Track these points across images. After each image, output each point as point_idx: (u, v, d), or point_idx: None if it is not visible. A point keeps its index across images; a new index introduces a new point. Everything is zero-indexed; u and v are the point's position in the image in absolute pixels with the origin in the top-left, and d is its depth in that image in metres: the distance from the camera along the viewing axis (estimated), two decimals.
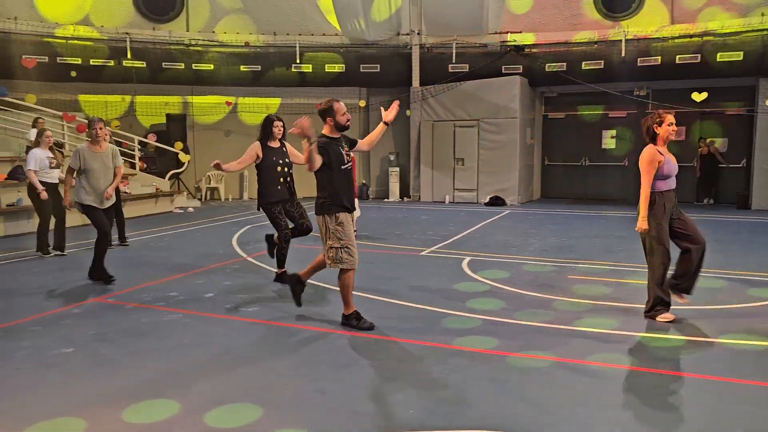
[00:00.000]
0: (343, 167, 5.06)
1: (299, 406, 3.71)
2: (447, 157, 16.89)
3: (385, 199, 17.87)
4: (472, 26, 16.59)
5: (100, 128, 7.09)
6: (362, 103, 17.70)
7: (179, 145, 16.45)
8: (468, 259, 8.50)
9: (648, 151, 5.30)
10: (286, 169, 6.71)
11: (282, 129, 6.74)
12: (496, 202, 15.99)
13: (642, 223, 5.27)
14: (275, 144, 6.74)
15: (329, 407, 3.68)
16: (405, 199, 17.80)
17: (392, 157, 17.83)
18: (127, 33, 16.14)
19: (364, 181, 18.30)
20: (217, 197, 18.11)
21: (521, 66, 16.19)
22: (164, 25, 17.04)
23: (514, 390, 3.94)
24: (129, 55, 15.92)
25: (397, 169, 17.77)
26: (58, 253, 8.93)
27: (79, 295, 6.55)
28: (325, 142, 5.01)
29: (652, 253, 5.35)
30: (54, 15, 16.03)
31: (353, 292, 5.34)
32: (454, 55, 16.72)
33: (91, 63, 15.68)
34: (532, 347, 4.75)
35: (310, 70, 17.11)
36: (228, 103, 17.33)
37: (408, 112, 17.24)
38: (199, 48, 16.90)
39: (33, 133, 12.73)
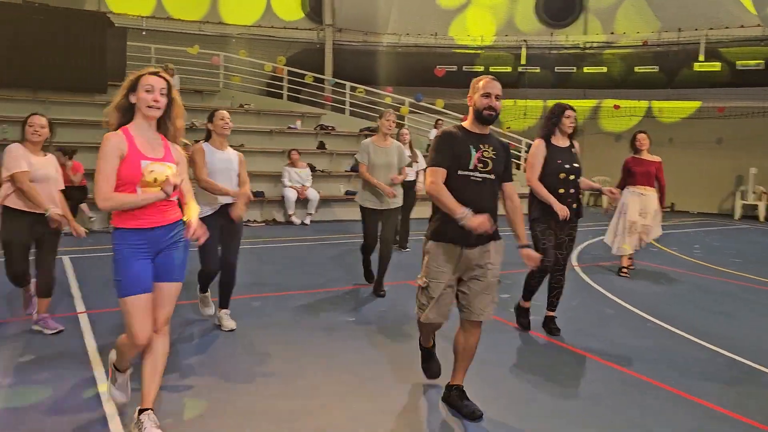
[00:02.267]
0: (460, 172, 3.52)
1: None
2: None
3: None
4: None
5: (390, 119, 6.24)
6: None
7: None
8: None
9: None
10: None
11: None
12: None
13: None
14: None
15: None
16: None
17: None
18: (524, 40, 17.05)
19: None
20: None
21: None
22: (562, 30, 17.44)
23: None
24: (524, 61, 16.79)
25: None
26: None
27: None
28: (450, 131, 3.62)
29: None
30: (478, 32, 18.00)
31: None
32: None
33: (491, 70, 17.05)
34: None
35: (719, 69, 15.25)
36: (616, 107, 16.75)
37: None
38: (592, 51, 16.77)
39: (434, 133, 14.67)
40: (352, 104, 16.29)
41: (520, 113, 17.78)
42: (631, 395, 3.93)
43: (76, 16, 13.53)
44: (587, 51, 16.92)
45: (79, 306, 5.54)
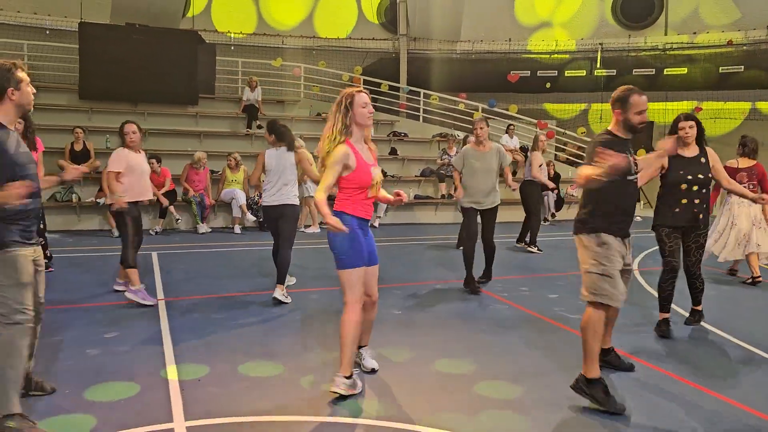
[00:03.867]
0: (629, 177, 3.84)
1: None
2: None
3: None
4: None
5: (481, 128, 6.74)
6: None
7: (642, 152, 16.30)
8: None
9: None
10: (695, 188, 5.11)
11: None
12: None
13: None
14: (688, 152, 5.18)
15: None
16: None
17: None
18: (600, 43, 16.89)
19: None
20: None
21: None
22: (640, 31, 17.12)
23: None
24: (599, 64, 16.64)
25: None
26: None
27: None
28: (608, 140, 3.81)
29: None
30: (552, 37, 18.05)
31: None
32: None
33: (566, 74, 17.01)
34: None
35: None
36: (697, 109, 16.23)
37: None
38: (674, 52, 16.37)
39: (505, 139, 14.85)
40: (425, 111, 16.74)
41: (596, 117, 17.61)
42: None
43: (171, 35, 14.80)
44: (668, 52, 16.52)
45: (160, 294, 6.32)
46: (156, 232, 10.40)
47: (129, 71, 13.54)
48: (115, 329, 5.09)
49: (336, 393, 3.77)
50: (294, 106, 16.22)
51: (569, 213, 13.23)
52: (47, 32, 16.38)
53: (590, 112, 17.94)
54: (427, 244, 10.04)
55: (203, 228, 10.78)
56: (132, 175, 5.91)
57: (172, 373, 4.17)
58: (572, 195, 13.72)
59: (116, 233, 9.91)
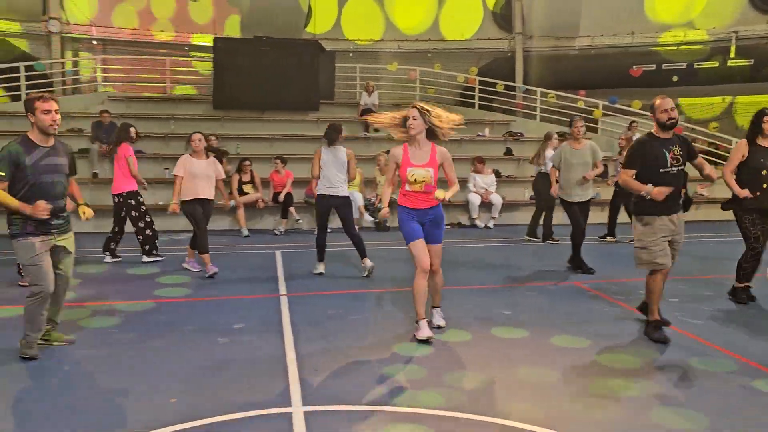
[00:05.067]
0: (662, 170, 4.89)
1: None
2: None
3: None
4: None
5: (578, 126, 7.69)
6: None
7: None
8: None
9: None
10: None
11: None
12: None
13: None
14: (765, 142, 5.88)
15: None
16: None
17: None
18: (734, 32, 15.69)
19: None
20: None
21: None
22: None
23: None
24: (733, 54, 15.46)
25: None
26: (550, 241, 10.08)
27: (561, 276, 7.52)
28: (644, 140, 5.01)
29: None
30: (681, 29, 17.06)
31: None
32: None
33: (695, 66, 15.98)
34: None
35: None
36: None
37: None
38: None
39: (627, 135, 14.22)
40: (542, 110, 16.42)
41: (744, 110, 16.39)
42: None
43: (294, 45, 15.62)
44: None
45: (282, 289, 6.79)
46: (280, 232, 11.05)
47: (256, 81, 14.49)
48: (241, 320, 5.57)
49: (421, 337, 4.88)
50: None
51: (701, 214, 12.49)
52: (186, 48, 17.90)
53: (736, 105, 16.66)
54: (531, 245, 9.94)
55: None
56: (191, 178, 7.13)
57: (291, 361, 4.53)
58: (701, 194, 12.91)
59: (245, 232, 10.70)
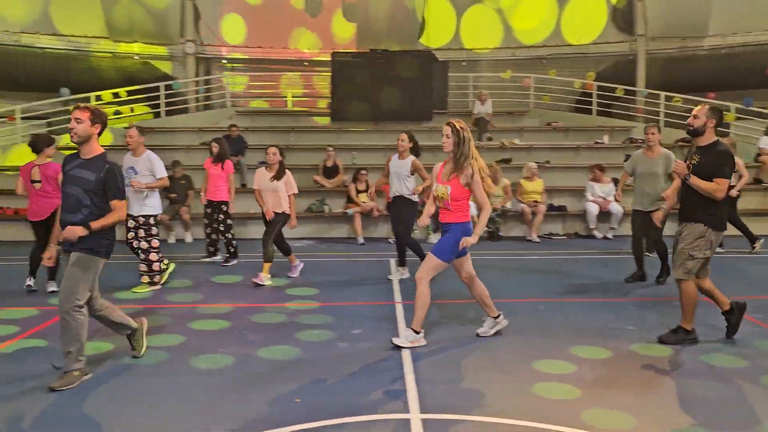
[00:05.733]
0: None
1: None
2: None
3: None
4: None
5: (651, 134, 7.31)
6: None
7: None
8: None
9: None
10: None
11: None
12: None
13: None
14: None
15: None
16: None
17: None
18: None
19: None
20: None
21: None
22: None
23: None
24: None
25: None
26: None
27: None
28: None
29: None
30: None
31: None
32: None
33: None
34: None
35: None
36: None
37: None
38: None
39: (764, 140, 13.20)
40: (667, 114, 15.58)
41: None
42: None
43: (409, 56, 15.93)
44: None
45: (397, 297, 6.97)
46: (394, 241, 11.23)
47: (372, 92, 14.93)
48: (359, 327, 5.79)
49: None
50: (522, 117, 16.28)
51: None
52: (305, 63, 18.75)
53: None
54: None
55: (433, 238, 11.34)
56: (265, 191, 7.52)
57: (407, 366, 4.66)
58: None
59: (361, 240, 11.02)
